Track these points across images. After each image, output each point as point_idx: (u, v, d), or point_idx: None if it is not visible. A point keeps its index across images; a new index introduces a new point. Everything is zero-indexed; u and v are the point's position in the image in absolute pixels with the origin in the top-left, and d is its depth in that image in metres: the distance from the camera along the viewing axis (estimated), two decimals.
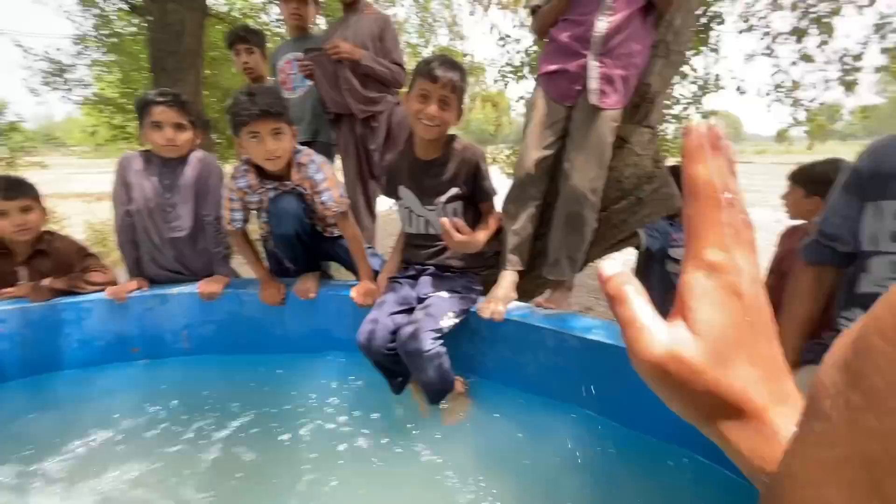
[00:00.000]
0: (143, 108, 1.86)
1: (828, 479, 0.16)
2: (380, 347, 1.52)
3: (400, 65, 2.43)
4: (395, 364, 1.55)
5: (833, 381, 0.17)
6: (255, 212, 1.88)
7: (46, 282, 1.80)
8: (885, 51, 4.68)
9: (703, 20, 4.72)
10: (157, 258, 1.97)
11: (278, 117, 1.64)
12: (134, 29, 5.69)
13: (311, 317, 1.92)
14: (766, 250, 1.44)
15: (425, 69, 1.50)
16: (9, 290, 1.81)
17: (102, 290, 1.87)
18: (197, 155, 1.95)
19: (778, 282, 1.64)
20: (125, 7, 5.21)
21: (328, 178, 1.80)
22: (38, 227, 1.83)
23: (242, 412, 1.58)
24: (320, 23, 4.15)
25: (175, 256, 1.98)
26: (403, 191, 1.74)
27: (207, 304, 1.92)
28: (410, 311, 1.59)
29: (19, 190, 1.76)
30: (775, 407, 0.23)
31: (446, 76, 1.49)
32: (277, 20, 6.34)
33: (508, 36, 5.95)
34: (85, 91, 5.97)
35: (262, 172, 1.77)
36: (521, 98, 6.27)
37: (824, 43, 4.65)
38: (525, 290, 1.85)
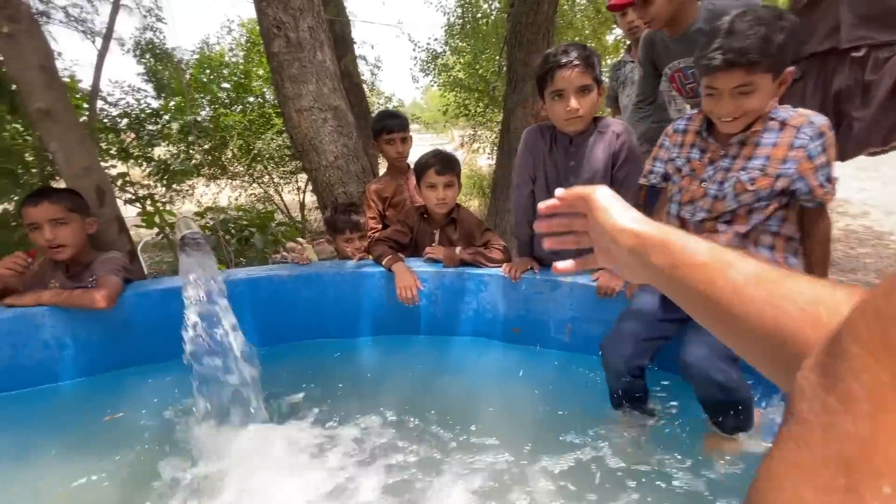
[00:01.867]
0: (543, 75, 1.65)
1: (805, 481, 0.16)
2: None
3: None
4: None
5: (810, 385, 0.18)
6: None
7: (458, 250, 1.90)
8: None
9: None
10: None
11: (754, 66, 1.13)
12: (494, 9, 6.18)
13: None
14: None
15: None
16: (430, 248, 2.00)
17: (498, 267, 1.86)
18: (614, 128, 1.63)
19: None
20: None
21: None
22: (456, 198, 1.95)
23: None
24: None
25: None
26: None
27: (601, 300, 1.66)
28: None
29: (454, 166, 1.89)
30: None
31: None
32: None
33: None
34: (444, 74, 7.11)
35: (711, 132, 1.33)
36: None
37: None
38: None
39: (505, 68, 5.21)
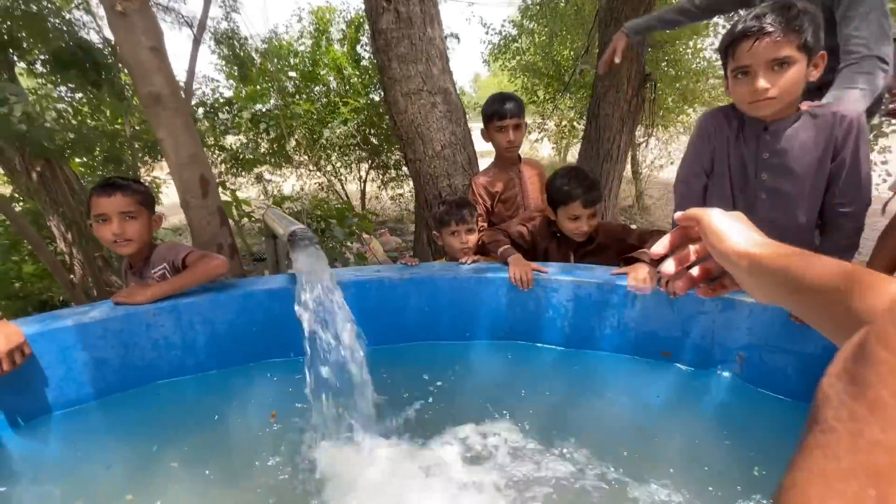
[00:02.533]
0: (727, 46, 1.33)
1: (833, 492, 0.15)
2: None
3: None
4: None
5: (837, 392, 0.17)
6: None
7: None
8: None
9: None
10: None
11: None
12: None
13: None
14: None
15: None
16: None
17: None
18: (836, 108, 1.29)
19: None
20: None
21: None
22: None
23: None
24: None
25: None
26: None
27: (790, 326, 1.34)
28: None
29: (599, 197, 1.68)
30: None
31: None
32: None
33: None
34: (516, 58, 6.76)
35: None
36: None
37: None
38: None
39: (591, 49, 4.82)
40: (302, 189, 7.66)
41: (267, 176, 7.54)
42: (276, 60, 7.15)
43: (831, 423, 0.17)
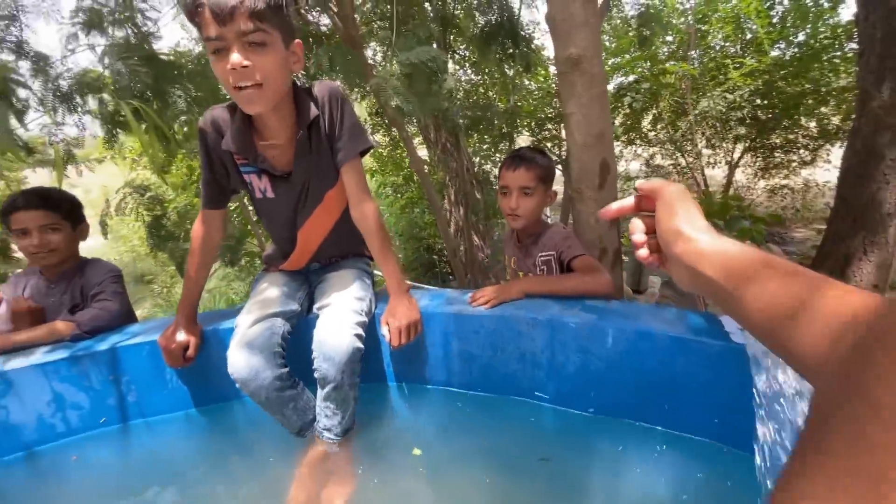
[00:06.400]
0: None
1: (833, 492, 0.15)
2: None
3: None
4: None
5: (837, 393, 0.17)
6: None
7: None
8: None
9: None
10: None
11: None
12: None
13: None
14: None
15: None
16: None
17: None
18: None
19: None
20: None
21: None
22: None
23: None
24: None
25: None
26: None
27: None
28: None
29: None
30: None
31: None
32: None
33: None
34: None
35: None
36: None
37: None
38: None
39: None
40: (646, 171, 6.77)
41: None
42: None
43: (831, 423, 0.16)
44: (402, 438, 1.07)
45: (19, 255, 3.21)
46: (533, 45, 2.47)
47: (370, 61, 2.54)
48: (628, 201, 0.53)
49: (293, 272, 1.18)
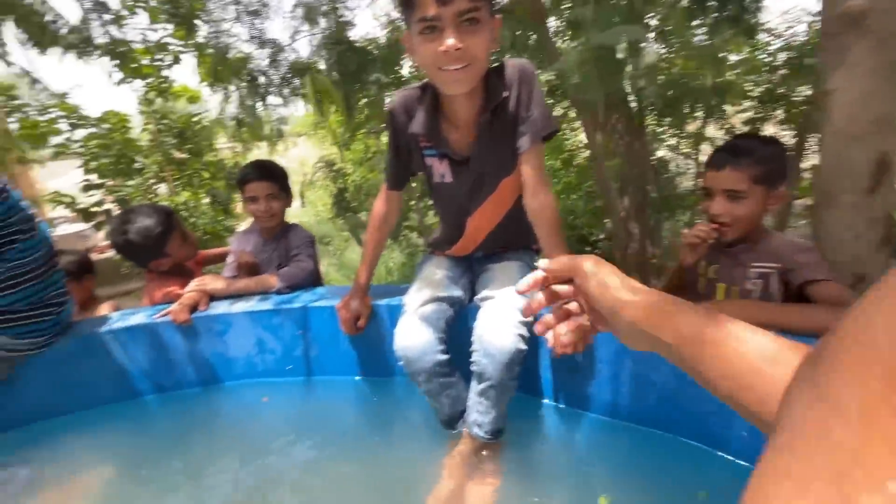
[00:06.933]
0: None
1: (798, 493, 0.15)
2: None
3: None
4: None
5: (802, 394, 0.18)
6: None
7: None
8: None
9: None
10: None
11: None
12: None
13: None
14: None
15: None
16: None
17: None
18: None
19: None
20: None
21: None
22: None
23: None
24: None
25: None
26: None
27: None
28: None
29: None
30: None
31: None
32: None
33: None
34: None
35: None
36: None
37: None
38: None
39: None
40: None
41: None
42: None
43: (798, 424, 0.17)
44: (556, 464, 0.96)
45: (239, 211, 4.00)
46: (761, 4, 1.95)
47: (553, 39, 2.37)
48: (538, 275, 0.52)
49: (457, 258, 1.15)
